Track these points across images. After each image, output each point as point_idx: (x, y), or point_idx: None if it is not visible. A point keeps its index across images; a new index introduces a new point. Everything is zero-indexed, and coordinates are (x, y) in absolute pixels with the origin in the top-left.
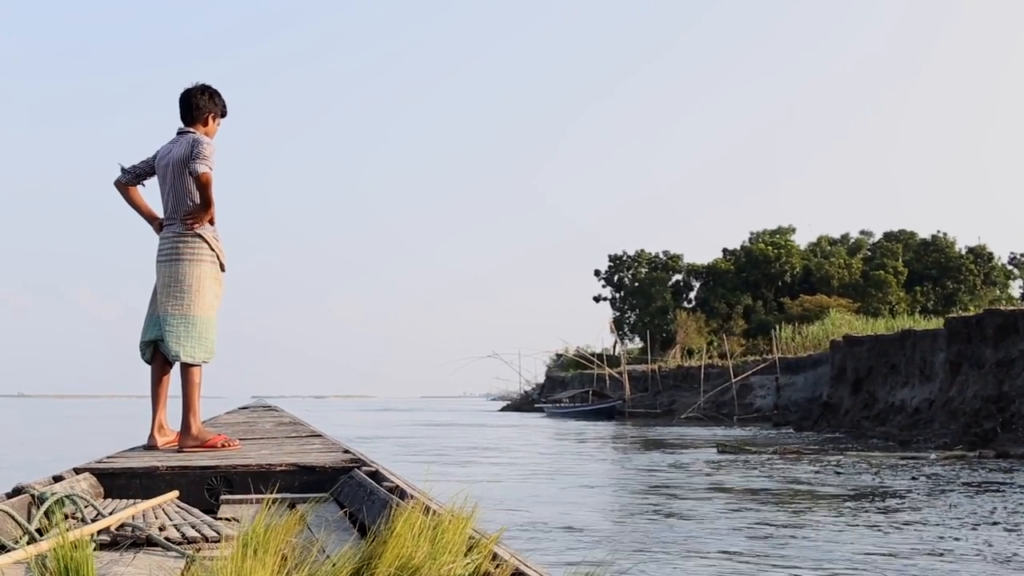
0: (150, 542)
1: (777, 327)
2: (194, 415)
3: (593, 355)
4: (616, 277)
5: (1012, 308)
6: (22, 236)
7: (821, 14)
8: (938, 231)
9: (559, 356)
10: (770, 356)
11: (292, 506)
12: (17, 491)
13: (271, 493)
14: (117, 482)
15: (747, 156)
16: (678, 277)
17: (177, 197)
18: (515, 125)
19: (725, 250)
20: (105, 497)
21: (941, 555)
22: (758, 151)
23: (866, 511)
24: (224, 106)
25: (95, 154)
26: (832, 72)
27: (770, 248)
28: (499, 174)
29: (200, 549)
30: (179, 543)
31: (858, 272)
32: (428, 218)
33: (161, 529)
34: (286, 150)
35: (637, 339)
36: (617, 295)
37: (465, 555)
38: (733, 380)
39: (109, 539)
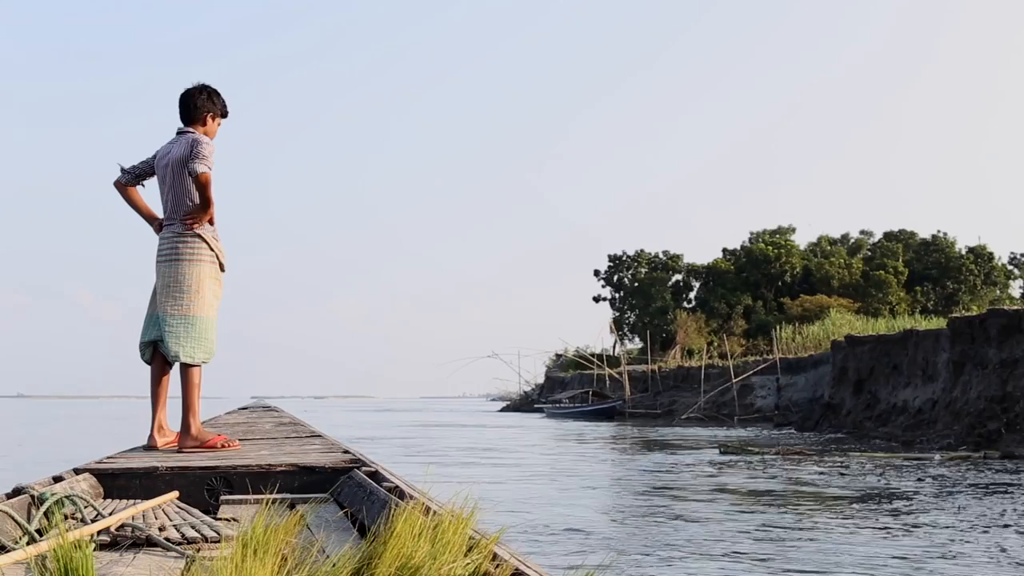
0: (150, 542)
1: (777, 327)
2: (194, 415)
3: (593, 355)
4: (616, 277)
5: (1016, 308)
6: (22, 236)
7: (821, 14)
8: (938, 231)
9: (559, 356)
10: (770, 356)
11: (292, 506)
12: (17, 491)
13: (271, 493)
14: (117, 482)
15: (747, 156)
16: (678, 277)
17: (176, 197)
18: (515, 125)
19: (725, 250)
20: (105, 497)
21: (954, 558)
22: (758, 151)
23: (874, 513)
24: (224, 106)
25: (95, 154)
26: (832, 72)
27: (770, 248)
28: (499, 174)
29: (200, 549)
30: (179, 543)
31: (858, 272)
32: (428, 218)
33: (161, 529)
34: (286, 150)
35: (637, 339)
36: (617, 295)
37: (465, 555)
38: (734, 380)
39: (109, 539)
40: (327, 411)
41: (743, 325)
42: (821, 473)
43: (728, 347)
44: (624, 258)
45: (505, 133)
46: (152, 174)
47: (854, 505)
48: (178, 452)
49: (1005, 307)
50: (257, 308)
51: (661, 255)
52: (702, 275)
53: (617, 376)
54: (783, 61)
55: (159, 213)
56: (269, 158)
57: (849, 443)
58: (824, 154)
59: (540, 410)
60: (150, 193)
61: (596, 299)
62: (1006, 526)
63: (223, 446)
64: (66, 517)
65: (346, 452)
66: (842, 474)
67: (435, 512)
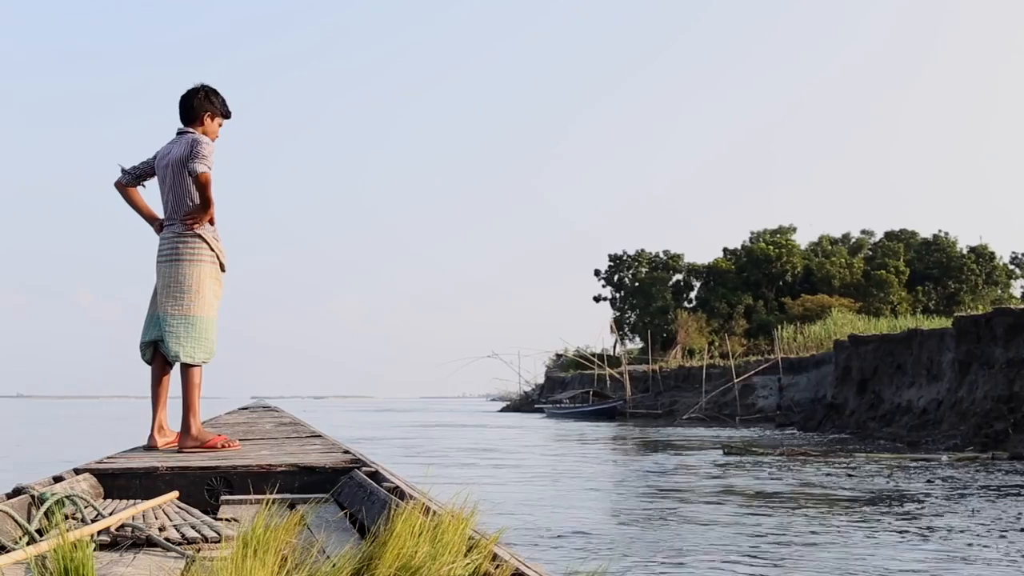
0: (150, 542)
1: (779, 327)
2: (194, 415)
3: (593, 355)
4: (616, 277)
5: (1022, 307)
6: (22, 237)
7: (821, 13)
8: (939, 230)
9: (559, 356)
10: (772, 356)
11: (292, 507)
12: (17, 491)
13: (271, 494)
14: (117, 483)
15: (747, 155)
16: (678, 277)
17: (177, 197)
18: (515, 125)
19: (726, 249)
20: (105, 498)
21: (976, 563)
22: (759, 150)
23: (886, 516)
24: (224, 105)
25: (95, 155)
26: (833, 71)
27: (771, 248)
28: (499, 174)
29: (200, 549)
30: (179, 543)
31: (859, 272)
32: (428, 218)
33: (161, 530)
34: (286, 150)
35: (637, 339)
36: (617, 295)
37: (465, 555)
38: (735, 380)
39: (109, 539)
40: (327, 411)
41: (744, 325)
42: (828, 474)
43: (729, 347)
44: (625, 258)
45: (505, 133)
46: (152, 174)
47: (865, 508)
48: (178, 452)
49: (1012, 306)
50: (257, 308)
51: (662, 255)
52: (703, 275)
53: (618, 376)
54: (783, 60)
55: (160, 213)
56: (269, 158)
57: (853, 444)
58: (825, 154)
59: (540, 410)
60: (151, 193)
61: (596, 299)
62: (1022, 530)
63: (223, 446)
64: (66, 517)
65: (346, 452)
66: (850, 475)
67: (435, 512)
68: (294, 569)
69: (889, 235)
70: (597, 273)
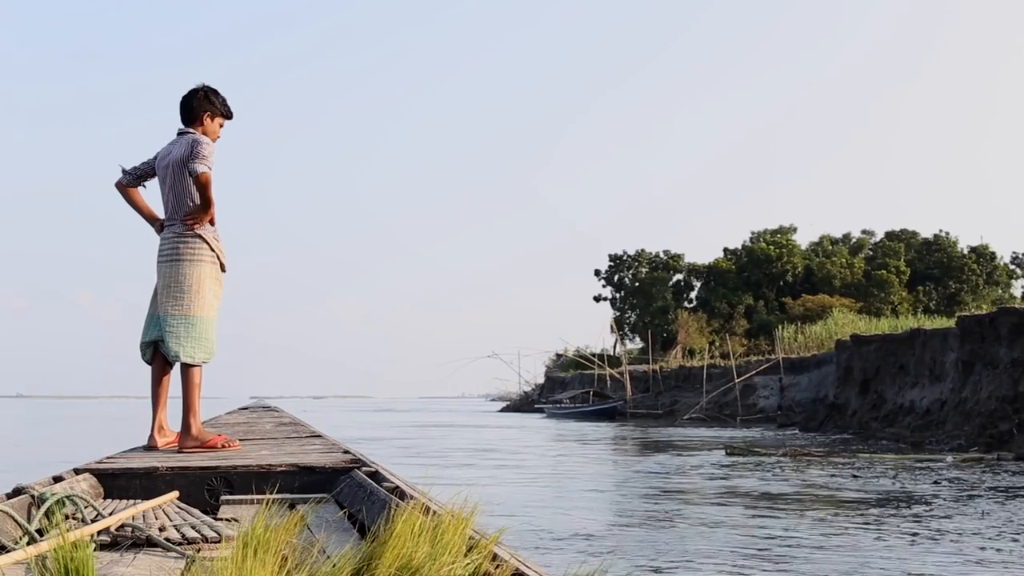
0: (150, 543)
1: (779, 327)
2: (194, 416)
3: (593, 355)
4: (616, 277)
5: None
6: (21, 237)
7: (821, 13)
8: (940, 230)
9: (559, 356)
10: (773, 356)
11: (292, 507)
12: (17, 491)
13: (271, 494)
14: (117, 483)
15: (748, 155)
16: (679, 277)
17: (177, 198)
18: (515, 125)
19: (726, 249)
20: (105, 498)
21: (990, 567)
22: (759, 150)
23: (896, 518)
24: (224, 105)
25: (95, 155)
26: (832, 71)
27: (771, 247)
28: (499, 174)
29: (200, 550)
30: (179, 544)
31: (860, 272)
32: (428, 218)
33: (161, 530)
34: (286, 150)
35: (637, 339)
36: (617, 295)
37: (465, 555)
38: (736, 380)
39: (109, 540)
40: (326, 411)
41: (744, 325)
42: (833, 475)
43: (730, 347)
44: (625, 258)
45: (505, 133)
46: (153, 175)
47: (873, 509)
48: (178, 452)
49: (1016, 306)
50: (257, 308)
51: (662, 255)
52: (703, 275)
53: (618, 376)
54: (783, 60)
55: (160, 214)
56: (269, 158)
57: (856, 444)
58: (825, 154)
59: (540, 410)
60: (151, 194)
61: (597, 299)
62: None
63: (223, 446)
64: (66, 517)
65: (346, 452)
66: (855, 476)
67: (435, 512)
68: (294, 569)
69: (890, 235)
70: (597, 273)
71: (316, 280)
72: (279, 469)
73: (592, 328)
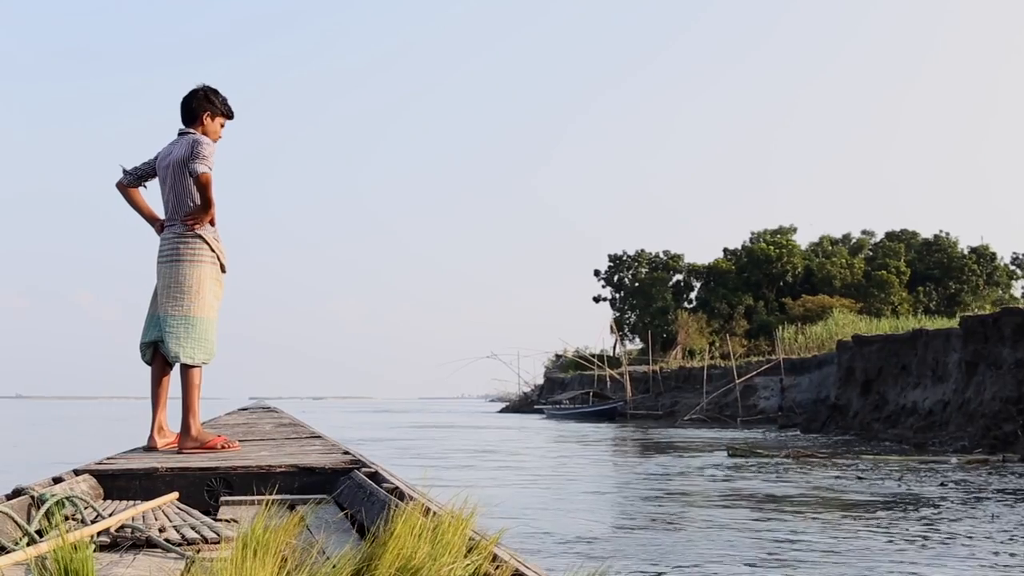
0: (150, 543)
1: (780, 327)
2: (194, 416)
3: (593, 356)
4: (616, 277)
5: None
6: (21, 237)
7: (821, 13)
8: (940, 231)
9: (558, 357)
10: (773, 357)
11: (292, 507)
12: (17, 492)
13: (271, 495)
14: (117, 484)
15: (748, 155)
16: (679, 277)
17: (178, 198)
18: (515, 125)
19: (726, 250)
20: (105, 499)
21: (1006, 572)
22: (758, 150)
23: (904, 521)
24: (224, 104)
25: (95, 155)
26: (832, 71)
27: (771, 248)
28: (499, 174)
29: (200, 550)
30: (179, 544)
31: (860, 272)
32: (427, 219)
33: (161, 530)
34: (286, 150)
35: (637, 340)
36: (617, 295)
37: (465, 556)
38: (737, 381)
39: (109, 540)
40: (325, 412)
41: (745, 325)
42: (838, 477)
43: (730, 347)
44: (624, 258)
45: (505, 133)
46: (154, 175)
47: (881, 512)
48: (178, 453)
49: (1020, 306)
50: (256, 308)
51: (662, 255)
52: (703, 275)
53: (618, 377)
54: (783, 60)
55: (161, 214)
56: (269, 158)
57: (859, 445)
58: (825, 154)
59: (540, 411)
60: (152, 194)
61: (596, 299)
62: None
63: (223, 447)
64: (66, 518)
65: (346, 453)
66: (860, 478)
67: (435, 513)
68: (294, 570)
69: (890, 235)
70: (597, 273)
71: (316, 280)
72: (279, 470)
73: (592, 329)
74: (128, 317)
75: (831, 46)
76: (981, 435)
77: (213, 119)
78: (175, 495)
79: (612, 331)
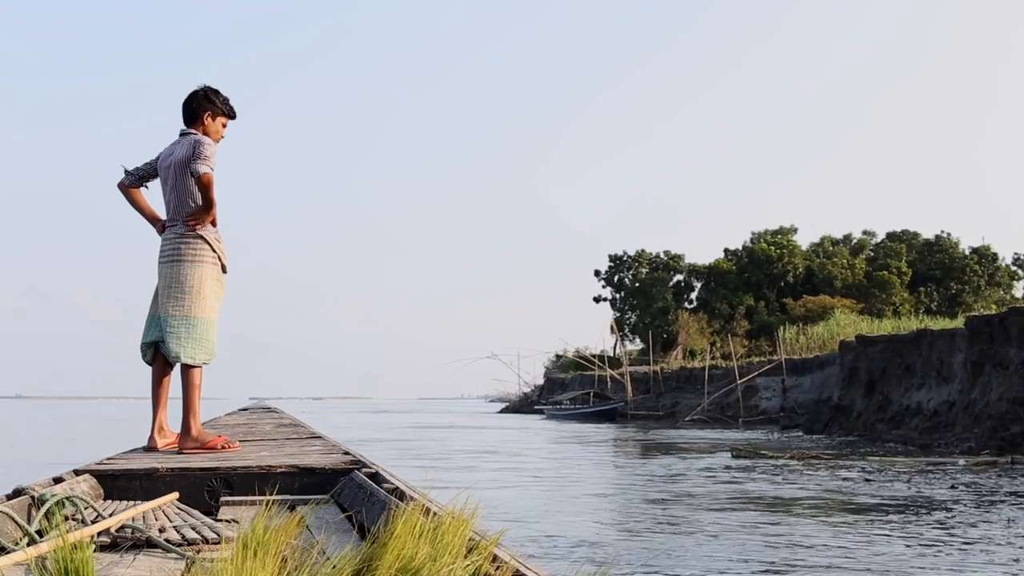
0: (150, 544)
1: (781, 328)
2: (194, 417)
3: (593, 356)
4: (616, 277)
5: None
6: (22, 238)
7: (821, 14)
8: (942, 231)
9: (559, 357)
10: (775, 357)
11: (292, 508)
12: (17, 492)
13: (271, 495)
14: (117, 484)
15: (747, 155)
16: (679, 277)
17: (179, 198)
18: (515, 125)
19: (727, 250)
20: (105, 499)
21: None
22: (758, 150)
23: (918, 525)
24: (226, 104)
25: (95, 155)
26: (832, 71)
27: (772, 248)
28: (499, 175)
29: (200, 551)
30: (179, 545)
31: (861, 273)
32: (427, 219)
33: (161, 531)
34: (285, 150)
35: (638, 340)
36: (617, 296)
37: (465, 557)
38: (738, 382)
39: (109, 541)
40: (325, 412)
41: (745, 326)
42: (845, 479)
43: (732, 348)
44: (625, 258)
45: (505, 133)
46: (155, 175)
47: (892, 516)
48: (178, 453)
49: None
50: (257, 308)
51: (662, 255)
52: (703, 275)
53: (619, 377)
54: (783, 60)
55: (162, 215)
56: (269, 158)
57: (863, 446)
58: (825, 154)
59: (540, 411)
60: (153, 195)
61: (597, 299)
62: None
63: (223, 447)
64: (66, 518)
65: (346, 453)
66: (868, 480)
67: (435, 514)
68: (294, 570)
69: (891, 236)
70: (597, 274)
71: (316, 280)
72: (279, 470)
73: (592, 329)
74: (128, 317)
75: (831, 46)
76: (988, 436)
77: (214, 119)
78: (175, 495)
79: (612, 331)
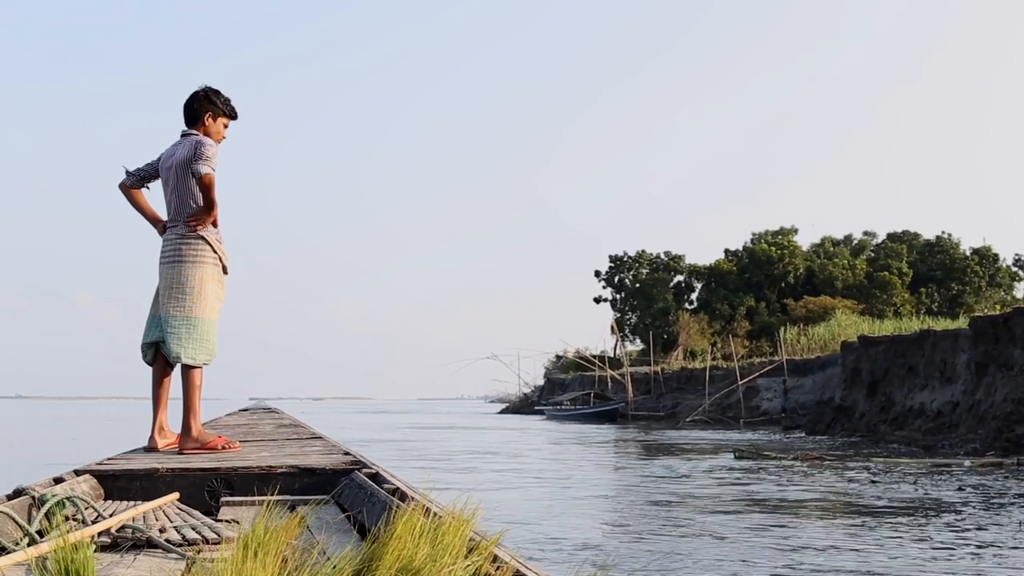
0: (150, 544)
1: (782, 328)
2: (194, 417)
3: (594, 357)
4: (617, 278)
5: None
6: (22, 238)
7: (821, 14)
8: (943, 232)
9: (559, 358)
10: (776, 358)
11: (292, 508)
12: (18, 493)
13: (271, 495)
14: (117, 484)
15: (748, 156)
16: (680, 278)
17: (180, 199)
18: (515, 126)
19: (727, 251)
20: (105, 499)
21: None
22: (759, 151)
23: (927, 528)
24: (227, 104)
25: (95, 155)
26: (832, 71)
27: (773, 249)
28: (499, 175)
29: (200, 551)
30: (179, 545)
31: (862, 273)
32: (427, 219)
33: (161, 531)
34: (286, 150)
35: (638, 341)
36: (618, 296)
37: (466, 557)
38: (740, 383)
39: (109, 541)
40: (325, 413)
41: (746, 326)
42: (851, 480)
43: (733, 348)
44: (625, 259)
45: (504, 133)
46: (156, 176)
47: (901, 518)
48: (179, 454)
49: None
50: (257, 308)
51: (662, 256)
52: (704, 276)
53: (619, 378)
54: (783, 60)
55: (163, 215)
56: (269, 158)
57: (866, 447)
58: (826, 154)
59: (540, 412)
60: (154, 195)
61: (597, 300)
62: None
63: (224, 448)
64: (67, 518)
65: (347, 454)
66: (873, 482)
67: (435, 514)
68: (294, 570)
69: (892, 236)
70: (597, 274)
71: (316, 280)
72: (279, 471)
73: (592, 329)
74: (128, 317)
75: (831, 46)
76: (993, 437)
77: (215, 120)
78: (176, 496)
79: (613, 332)
